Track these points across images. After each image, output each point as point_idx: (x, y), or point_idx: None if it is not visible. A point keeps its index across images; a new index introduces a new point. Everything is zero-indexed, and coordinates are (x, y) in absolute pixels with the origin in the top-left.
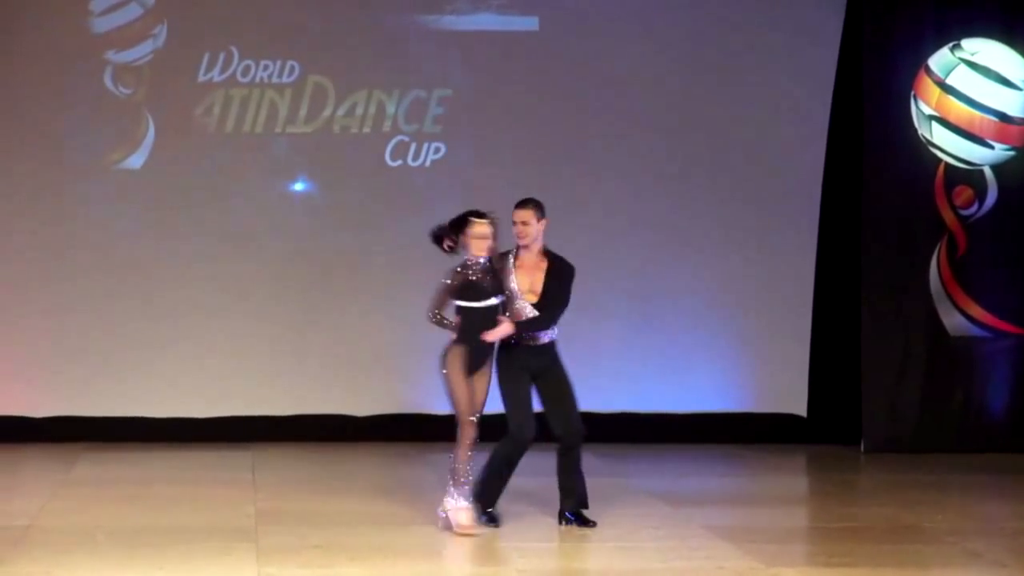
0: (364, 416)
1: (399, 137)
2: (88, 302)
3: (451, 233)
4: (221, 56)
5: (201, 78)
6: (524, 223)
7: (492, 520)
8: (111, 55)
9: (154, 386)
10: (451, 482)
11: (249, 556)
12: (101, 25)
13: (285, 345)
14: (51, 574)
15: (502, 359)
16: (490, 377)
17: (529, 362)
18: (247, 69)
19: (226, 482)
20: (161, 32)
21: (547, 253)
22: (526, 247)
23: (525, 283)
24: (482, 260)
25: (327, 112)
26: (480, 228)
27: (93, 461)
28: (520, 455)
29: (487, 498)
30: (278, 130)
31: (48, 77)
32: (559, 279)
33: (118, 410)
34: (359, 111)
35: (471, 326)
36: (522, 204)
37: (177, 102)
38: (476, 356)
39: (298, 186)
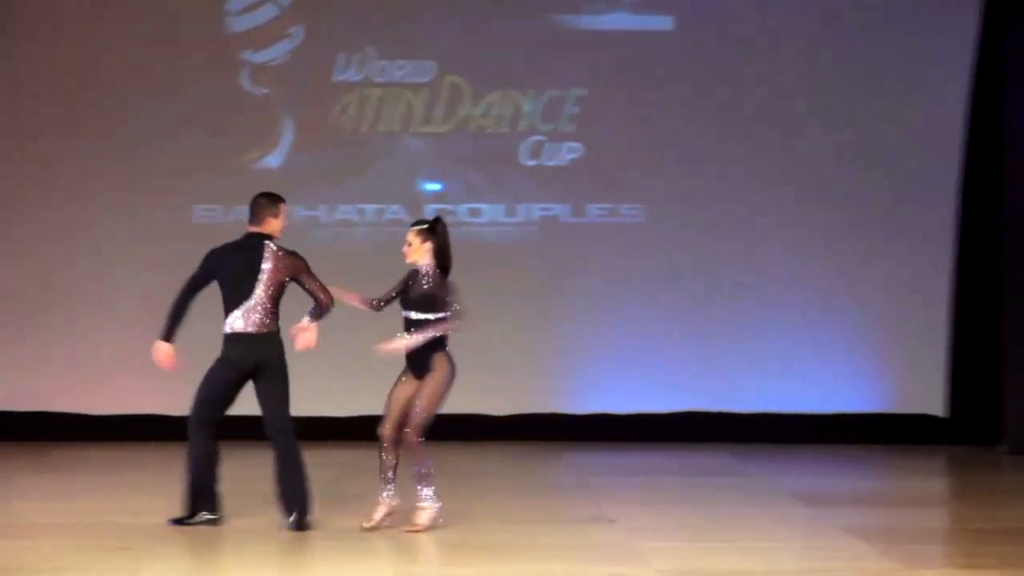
0: (502, 416)
1: (535, 136)
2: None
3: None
4: (357, 56)
5: (337, 78)
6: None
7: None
8: (248, 55)
9: (302, 387)
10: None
11: (386, 554)
12: (238, 25)
13: None
14: (190, 572)
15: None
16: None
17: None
18: (383, 69)
19: (363, 480)
20: (297, 32)
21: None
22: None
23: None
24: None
25: (463, 112)
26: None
27: (233, 458)
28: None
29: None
30: (414, 130)
31: (186, 77)
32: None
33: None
34: (495, 110)
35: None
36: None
37: (313, 102)
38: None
39: (434, 185)
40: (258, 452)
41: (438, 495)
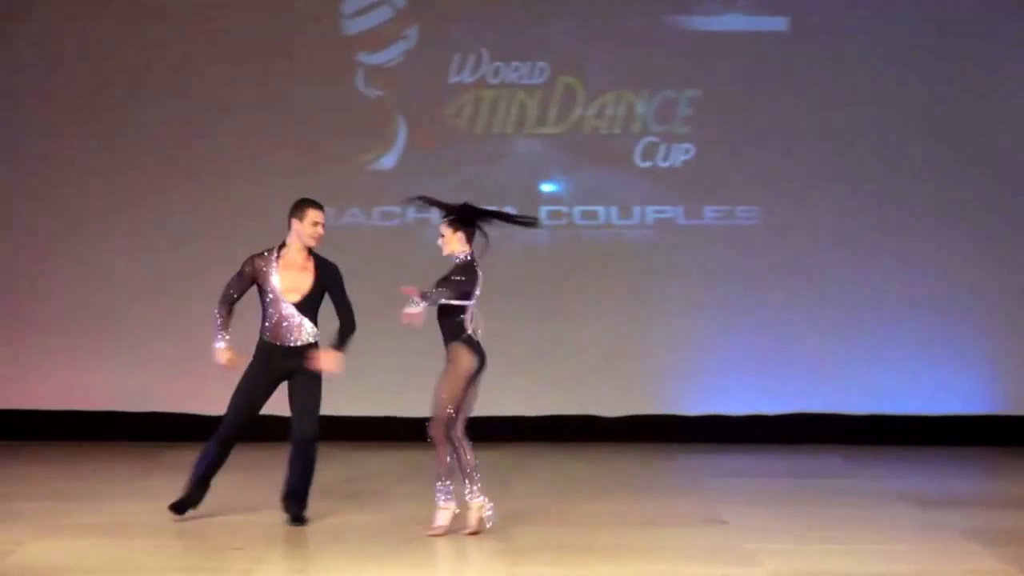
0: (614, 417)
1: (648, 138)
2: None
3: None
4: (471, 58)
5: (451, 80)
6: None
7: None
8: (363, 57)
9: (408, 385)
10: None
11: (500, 555)
12: (353, 27)
13: (535, 345)
14: (307, 571)
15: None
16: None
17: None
18: (497, 71)
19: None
20: (412, 34)
21: (313, 254)
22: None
23: (288, 282)
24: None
25: (577, 113)
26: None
27: (340, 460)
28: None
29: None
30: (528, 131)
31: (301, 79)
32: (337, 282)
33: (368, 409)
34: (609, 112)
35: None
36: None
37: (428, 103)
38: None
39: (548, 187)
40: (347, 452)
41: (456, 495)
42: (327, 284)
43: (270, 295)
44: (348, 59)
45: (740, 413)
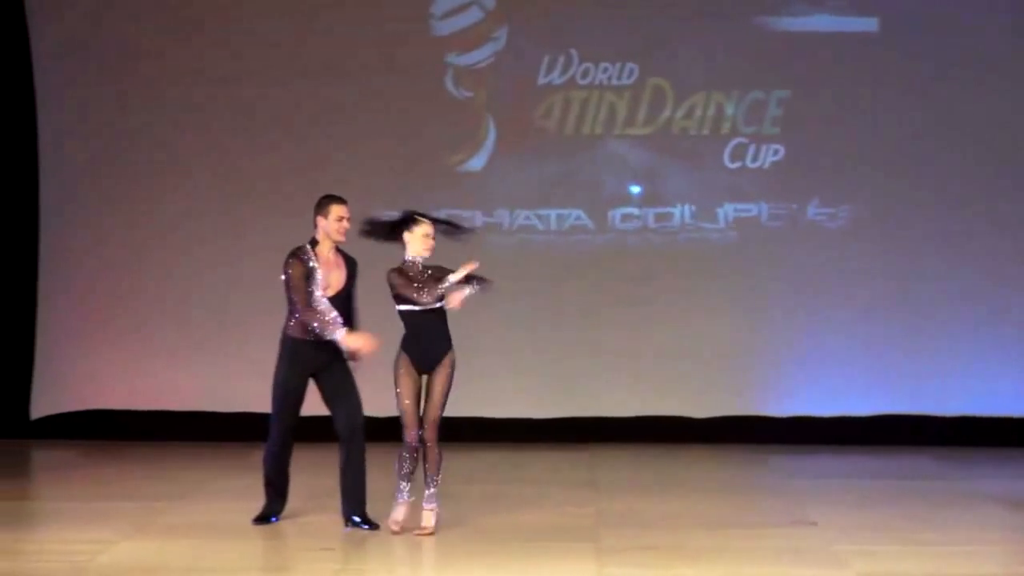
0: (702, 418)
1: (738, 139)
2: None
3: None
4: (560, 59)
5: (541, 81)
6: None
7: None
8: (452, 58)
9: (494, 387)
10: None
11: (589, 556)
12: (442, 28)
13: (625, 346)
14: (394, 572)
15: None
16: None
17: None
18: (586, 72)
19: (566, 482)
20: (502, 35)
21: (339, 250)
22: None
23: (324, 278)
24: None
25: (666, 114)
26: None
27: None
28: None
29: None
30: (617, 132)
31: (391, 79)
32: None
33: (459, 410)
34: (698, 113)
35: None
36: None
37: (517, 104)
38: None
39: (637, 188)
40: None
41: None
42: (354, 278)
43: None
44: (438, 60)
45: (829, 414)
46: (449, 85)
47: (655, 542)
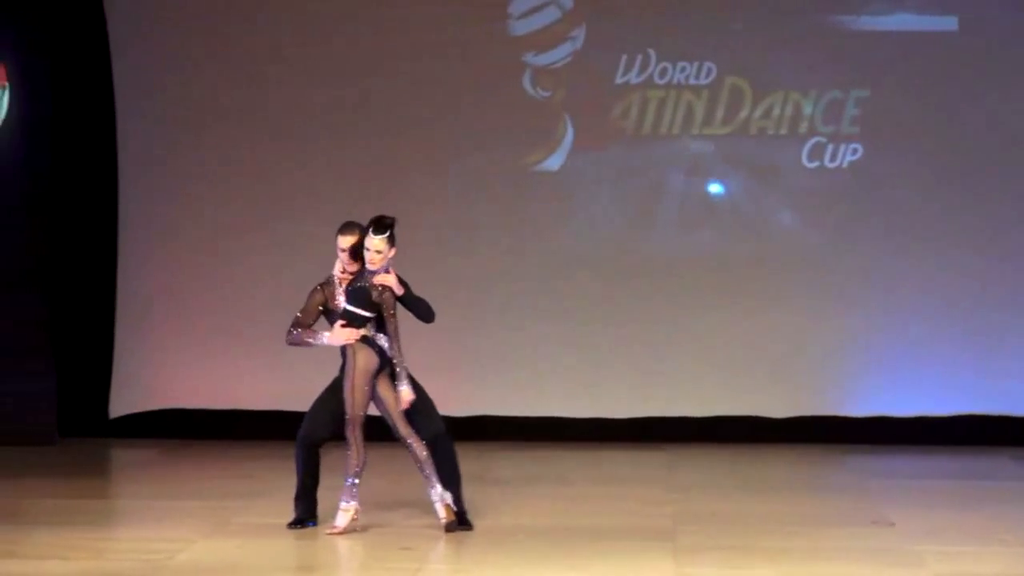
0: (780, 418)
1: (816, 138)
2: (504, 302)
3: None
4: (638, 58)
5: (618, 80)
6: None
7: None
8: (530, 58)
9: (571, 386)
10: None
11: (667, 556)
12: (520, 28)
13: (702, 346)
14: (472, 572)
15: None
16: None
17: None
18: (664, 71)
19: (643, 482)
20: (579, 34)
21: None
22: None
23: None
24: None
25: (743, 114)
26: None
27: (512, 460)
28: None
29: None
30: (694, 132)
31: (468, 80)
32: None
33: (535, 409)
34: (775, 112)
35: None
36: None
37: (595, 104)
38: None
39: (714, 188)
40: (507, 452)
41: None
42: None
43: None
44: (516, 60)
45: (907, 414)
46: (527, 85)
47: (733, 542)
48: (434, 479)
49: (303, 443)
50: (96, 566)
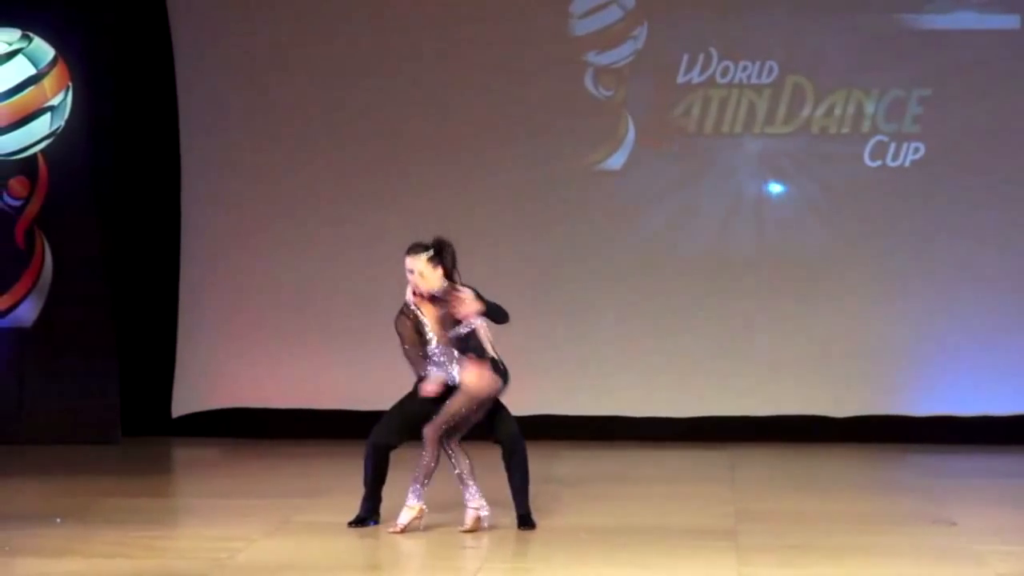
0: (843, 417)
1: (878, 137)
2: (566, 301)
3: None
4: (700, 57)
5: (680, 79)
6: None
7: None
8: (592, 57)
9: (633, 385)
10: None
11: (728, 555)
12: (582, 27)
13: (764, 346)
14: (534, 571)
15: None
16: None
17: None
18: (726, 70)
19: (705, 481)
20: (641, 33)
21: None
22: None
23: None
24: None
25: (805, 112)
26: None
27: (573, 459)
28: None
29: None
30: (756, 130)
31: (531, 79)
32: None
33: (598, 409)
34: (838, 111)
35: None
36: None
37: (656, 103)
38: None
39: (776, 187)
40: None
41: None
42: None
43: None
44: (577, 59)
45: (970, 414)
46: (589, 84)
47: (794, 541)
48: (475, 486)
49: (376, 448)
50: (158, 564)
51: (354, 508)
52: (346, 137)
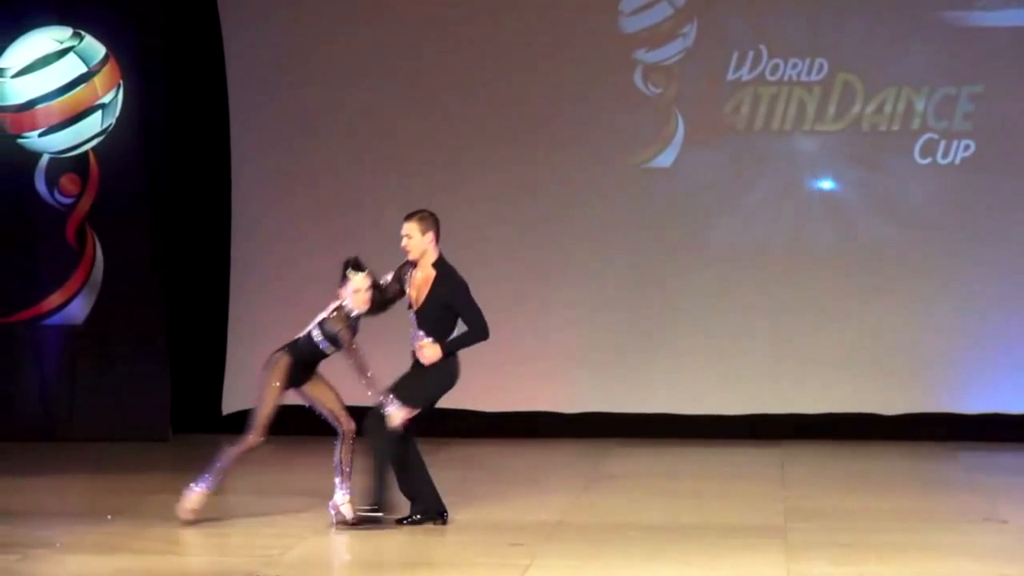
0: (893, 415)
1: (928, 135)
2: (617, 300)
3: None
4: (750, 55)
5: (730, 76)
6: (408, 236)
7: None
8: (641, 54)
9: (684, 383)
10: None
11: (778, 553)
12: (631, 25)
13: (814, 343)
14: (583, 568)
15: None
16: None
17: None
18: (775, 67)
19: (755, 479)
20: (690, 31)
21: (436, 265)
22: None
23: (413, 294)
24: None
25: (855, 109)
26: (355, 281)
27: (624, 457)
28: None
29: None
30: (806, 128)
31: (580, 76)
32: (450, 290)
33: (648, 406)
34: (888, 108)
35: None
36: (407, 217)
37: (706, 101)
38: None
39: (826, 184)
40: (624, 448)
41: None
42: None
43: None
44: (627, 57)
45: (1021, 411)
46: (638, 81)
47: (845, 538)
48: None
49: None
50: (210, 561)
51: (406, 506)
52: (398, 135)
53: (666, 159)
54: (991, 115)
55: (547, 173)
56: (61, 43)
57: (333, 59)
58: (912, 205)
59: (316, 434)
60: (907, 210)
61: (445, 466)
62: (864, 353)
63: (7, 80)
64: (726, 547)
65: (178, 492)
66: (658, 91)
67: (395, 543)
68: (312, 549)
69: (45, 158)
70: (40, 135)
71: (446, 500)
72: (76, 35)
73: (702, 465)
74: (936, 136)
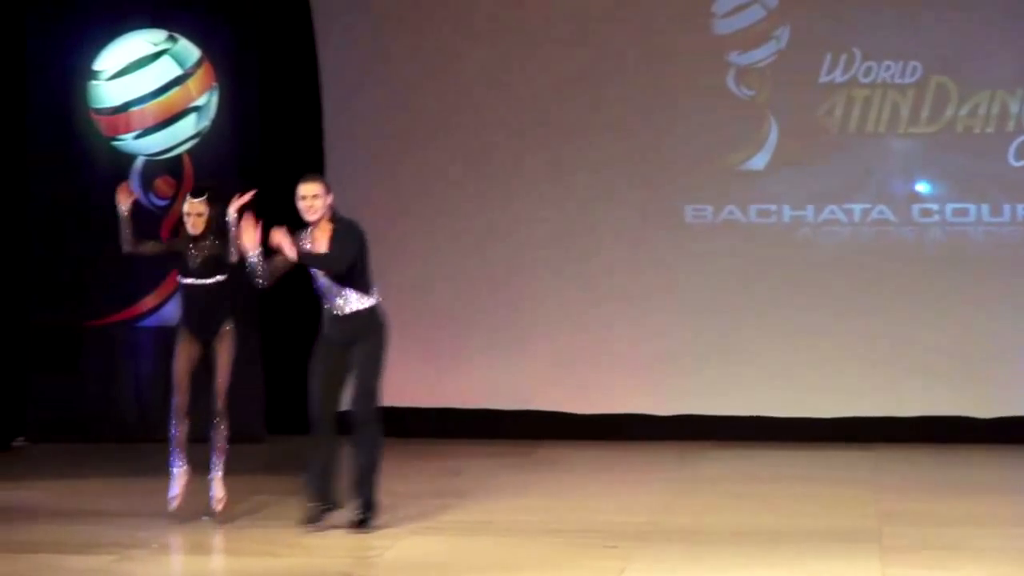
0: (989, 418)
1: (1022, 137)
2: (709, 301)
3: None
4: (843, 57)
5: (823, 79)
6: (315, 196)
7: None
8: (734, 57)
9: (777, 386)
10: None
11: (872, 557)
12: (724, 27)
13: (908, 346)
14: (677, 571)
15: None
16: (229, 356)
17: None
18: (869, 70)
19: (848, 482)
20: (783, 33)
21: (335, 219)
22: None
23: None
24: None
25: (949, 112)
26: (190, 206)
27: (716, 460)
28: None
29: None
30: (900, 131)
31: (673, 78)
32: (346, 229)
33: (741, 409)
34: (982, 111)
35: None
36: (310, 179)
37: (799, 103)
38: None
39: (921, 187)
40: (731, 451)
41: None
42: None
43: None
44: (720, 58)
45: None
46: (731, 84)
47: (939, 542)
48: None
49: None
50: (305, 563)
51: (499, 509)
52: (489, 136)
53: (759, 161)
54: None
55: (640, 174)
56: (156, 45)
57: (428, 61)
58: (1007, 207)
59: (412, 436)
60: (1002, 212)
61: (537, 468)
62: (958, 356)
63: (102, 83)
64: (820, 551)
65: (272, 493)
66: (751, 93)
67: (488, 545)
68: (408, 550)
69: (140, 160)
70: (135, 138)
71: (533, 503)
72: (171, 38)
73: (795, 468)
74: None
